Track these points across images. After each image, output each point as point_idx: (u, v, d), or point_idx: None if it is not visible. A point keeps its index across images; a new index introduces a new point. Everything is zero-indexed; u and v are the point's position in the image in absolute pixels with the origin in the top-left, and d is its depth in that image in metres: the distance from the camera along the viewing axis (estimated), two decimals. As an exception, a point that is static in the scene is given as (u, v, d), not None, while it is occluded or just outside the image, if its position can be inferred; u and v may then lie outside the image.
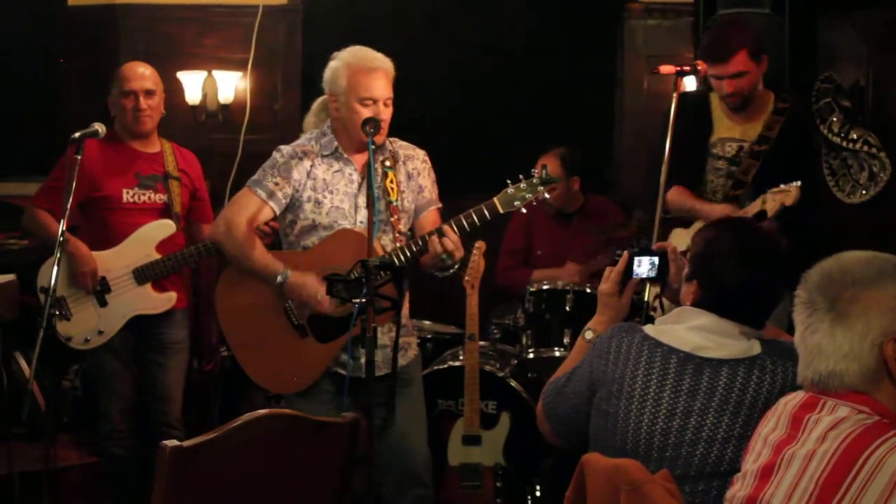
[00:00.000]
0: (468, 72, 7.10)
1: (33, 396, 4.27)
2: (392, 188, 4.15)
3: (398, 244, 4.08)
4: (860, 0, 6.24)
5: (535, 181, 3.99)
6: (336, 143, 4.17)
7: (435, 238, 3.94)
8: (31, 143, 6.86)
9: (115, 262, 4.87)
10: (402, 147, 4.29)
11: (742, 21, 4.75)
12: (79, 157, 4.28)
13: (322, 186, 4.15)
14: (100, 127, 4.47)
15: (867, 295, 2.16)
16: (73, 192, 4.24)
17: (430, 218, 4.25)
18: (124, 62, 5.23)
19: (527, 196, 3.98)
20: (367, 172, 3.99)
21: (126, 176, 4.92)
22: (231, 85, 6.89)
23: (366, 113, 4.05)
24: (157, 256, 4.89)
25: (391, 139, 4.25)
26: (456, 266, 4.08)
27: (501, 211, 4.00)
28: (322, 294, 3.98)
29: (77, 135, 4.33)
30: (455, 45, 7.11)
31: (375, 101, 4.07)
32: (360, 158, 4.17)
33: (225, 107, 6.90)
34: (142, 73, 4.98)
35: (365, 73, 4.10)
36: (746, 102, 4.76)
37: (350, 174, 4.17)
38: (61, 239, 4.21)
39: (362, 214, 4.11)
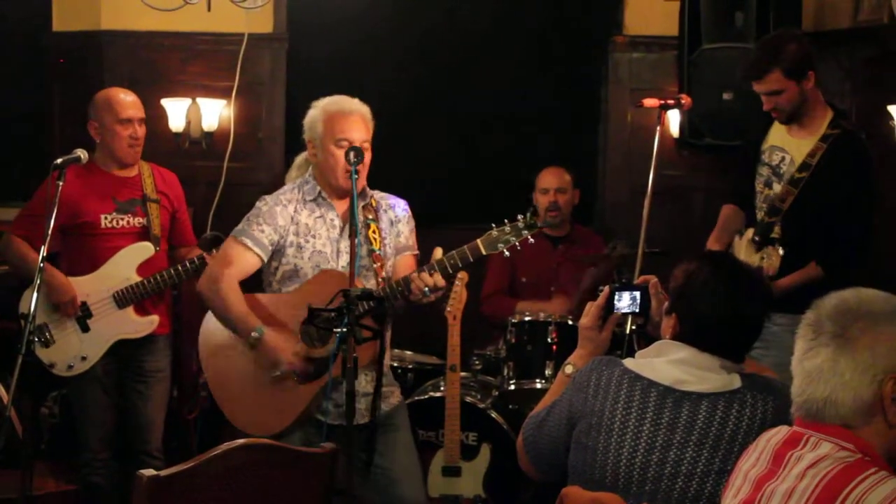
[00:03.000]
0: (452, 102, 7.11)
1: (11, 423, 4.23)
2: (374, 238, 4.19)
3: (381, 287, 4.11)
4: (843, 37, 6.31)
5: (519, 225, 4.01)
6: (318, 189, 4.21)
7: (415, 275, 3.98)
8: (13, 168, 6.84)
9: (95, 286, 4.85)
10: (384, 197, 4.34)
11: (779, 40, 4.67)
12: (61, 184, 4.26)
13: (304, 231, 4.18)
14: (82, 153, 4.46)
15: (879, 329, 2.16)
16: (48, 209, 4.23)
17: (406, 262, 4.30)
18: (108, 88, 5.21)
19: (511, 239, 4.00)
20: (349, 217, 4.02)
21: (104, 202, 4.91)
22: (215, 112, 6.88)
23: (342, 155, 4.09)
24: (138, 279, 4.87)
25: (373, 192, 4.30)
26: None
27: (484, 253, 4.03)
28: (296, 350, 4.01)
29: (59, 161, 4.32)
30: (440, 75, 7.12)
31: (351, 143, 4.09)
32: (342, 204, 4.21)
33: (209, 134, 6.88)
34: (134, 102, 5.00)
35: (340, 116, 4.15)
36: (792, 117, 4.62)
37: (332, 219, 4.21)
38: (41, 265, 4.19)
39: (344, 259, 4.14)
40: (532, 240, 4.06)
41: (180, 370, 5.90)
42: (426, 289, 3.96)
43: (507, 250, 4.03)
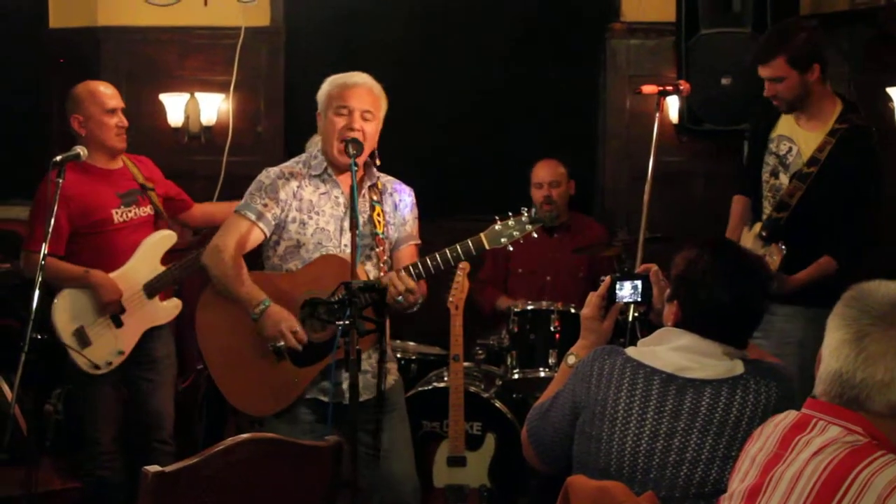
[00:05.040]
0: (451, 93, 7.09)
1: (15, 420, 4.23)
2: (379, 221, 4.18)
3: (381, 273, 4.09)
4: (841, 20, 6.30)
5: (524, 219, 4.00)
6: (325, 164, 4.18)
7: (392, 276, 3.95)
8: (11, 166, 6.83)
9: (127, 281, 4.85)
10: (390, 181, 4.32)
11: (789, 28, 4.62)
12: (60, 181, 4.25)
13: (308, 207, 4.15)
14: (82, 150, 4.46)
15: None
16: (56, 215, 4.23)
17: (407, 252, 4.28)
18: (85, 82, 5.16)
19: (514, 234, 4.00)
20: (349, 207, 3.99)
21: (109, 197, 4.89)
22: (213, 107, 6.88)
23: (340, 122, 4.08)
24: (163, 268, 4.89)
25: (381, 174, 4.28)
26: (416, 307, 4.07)
27: (488, 247, 4.03)
28: (298, 329, 3.98)
29: (58, 158, 4.32)
30: (438, 66, 7.11)
31: (351, 112, 4.09)
32: (347, 181, 4.16)
33: (207, 129, 6.89)
34: (115, 93, 5.01)
35: (343, 86, 4.15)
36: (792, 107, 4.59)
37: (336, 197, 4.18)
38: (42, 263, 4.18)
39: (347, 237, 4.10)
40: (535, 234, 4.06)
41: (182, 357, 5.91)
42: (398, 296, 3.92)
43: (511, 245, 4.03)
